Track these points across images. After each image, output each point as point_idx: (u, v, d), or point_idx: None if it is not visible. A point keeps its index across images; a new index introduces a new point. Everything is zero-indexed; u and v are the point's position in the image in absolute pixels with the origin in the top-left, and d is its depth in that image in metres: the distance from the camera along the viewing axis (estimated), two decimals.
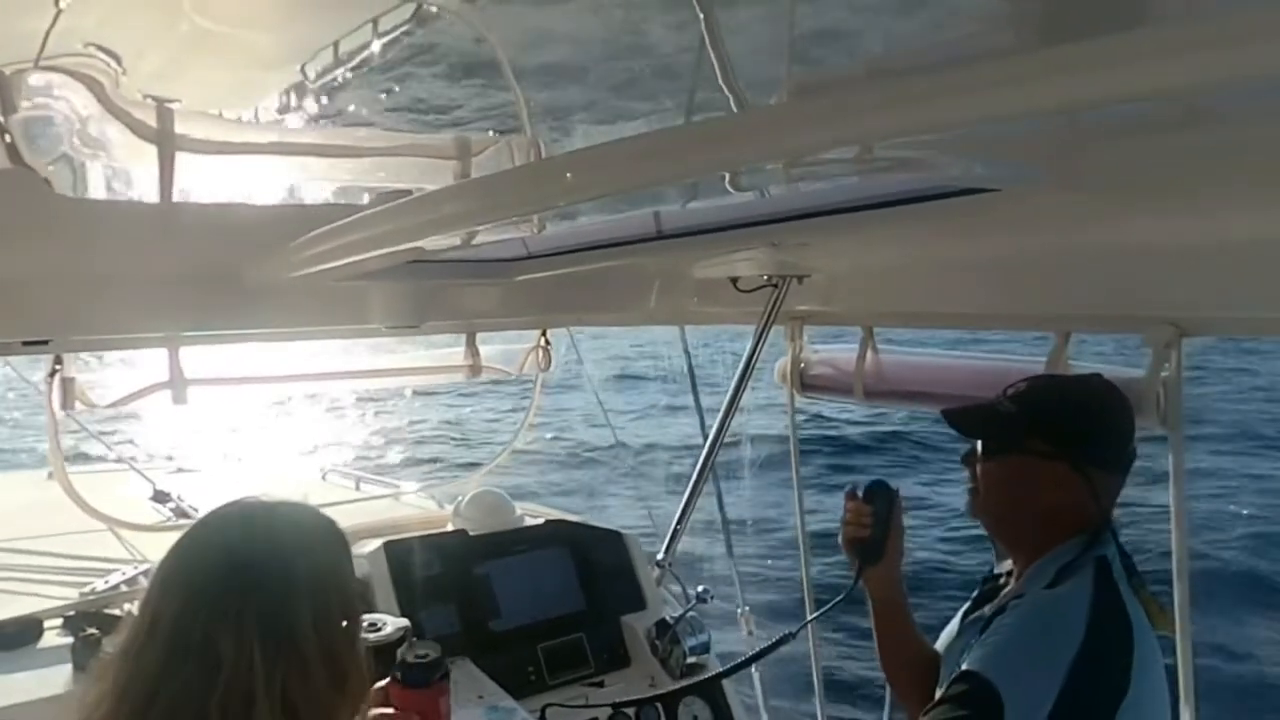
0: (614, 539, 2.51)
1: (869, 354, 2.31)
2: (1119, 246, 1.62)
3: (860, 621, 1.82)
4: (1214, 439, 10.21)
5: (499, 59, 2.77)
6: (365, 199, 2.48)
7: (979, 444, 1.59)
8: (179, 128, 2.05)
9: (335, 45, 2.50)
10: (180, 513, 2.80)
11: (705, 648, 2.26)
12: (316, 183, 2.53)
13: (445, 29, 2.80)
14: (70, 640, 2.00)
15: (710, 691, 2.18)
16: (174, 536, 1.15)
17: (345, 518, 1.32)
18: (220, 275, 1.91)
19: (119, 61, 2.15)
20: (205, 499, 2.74)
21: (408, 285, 2.18)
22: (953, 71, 0.70)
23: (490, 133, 2.78)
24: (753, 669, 2.55)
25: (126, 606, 2.16)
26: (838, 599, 1.79)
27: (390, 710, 1.40)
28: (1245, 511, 8.50)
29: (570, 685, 2.20)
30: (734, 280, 2.40)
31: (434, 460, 12.16)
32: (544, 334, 2.91)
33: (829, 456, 10.10)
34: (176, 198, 2.07)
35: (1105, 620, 1.35)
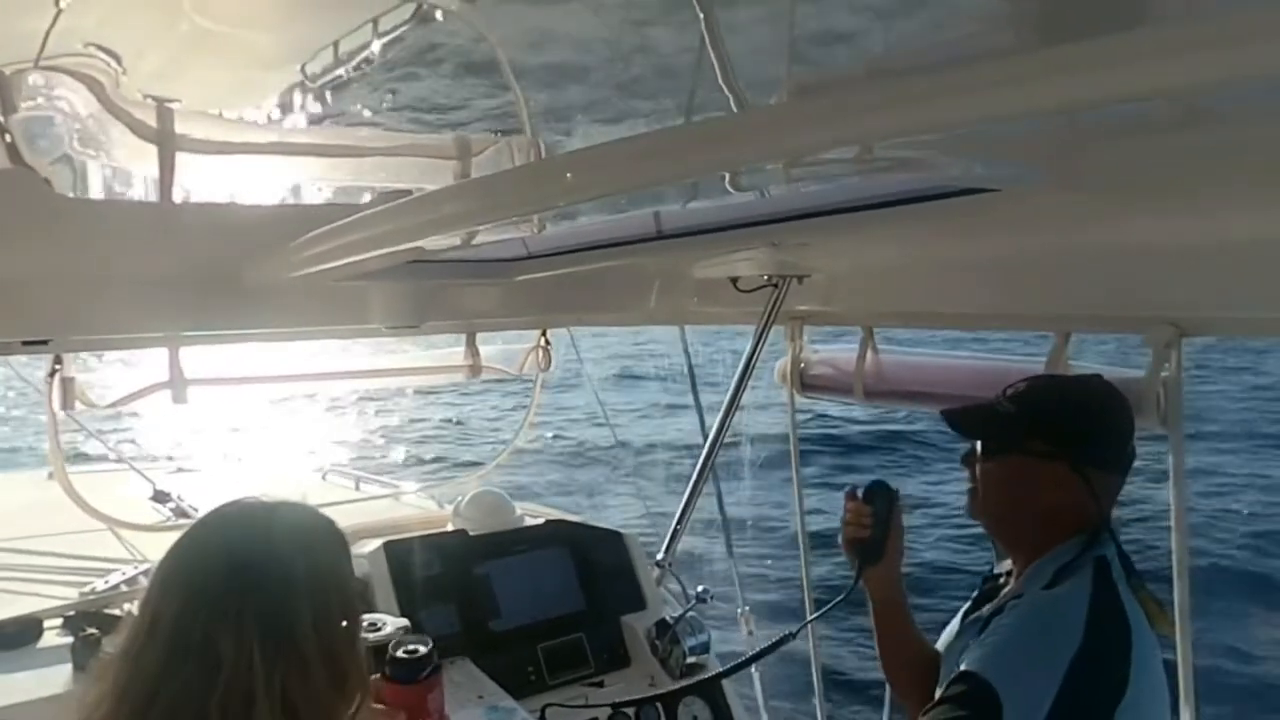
0: (614, 539, 2.51)
1: (869, 354, 2.31)
2: (1119, 246, 1.62)
3: (861, 621, 1.82)
4: (1217, 437, 10.28)
5: (499, 59, 2.77)
6: (365, 199, 2.49)
7: (978, 444, 1.60)
8: (179, 127, 2.05)
9: (335, 45, 2.50)
10: (180, 513, 2.80)
11: (705, 648, 2.26)
12: (316, 183, 2.52)
13: (445, 29, 2.80)
14: (70, 640, 2.00)
15: (710, 691, 2.18)
16: (174, 536, 1.15)
17: (345, 518, 1.32)
18: (220, 275, 1.91)
19: (119, 61, 2.15)
20: (205, 499, 2.74)
21: (408, 285, 2.18)
22: (953, 71, 0.70)
23: (492, 134, 2.78)
24: (753, 669, 2.55)
25: (126, 606, 2.15)
26: (838, 599, 1.79)
27: (377, 707, 1.39)
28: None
29: (570, 685, 2.20)
30: (734, 280, 2.40)
31: (436, 460, 12.18)
32: (544, 334, 2.91)
33: (836, 456, 10.10)
34: (177, 197, 2.07)
35: (1104, 620, 1.35)
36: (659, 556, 2.60)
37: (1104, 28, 0.60)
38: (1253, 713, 5.35)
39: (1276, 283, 1.43)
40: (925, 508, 8.28)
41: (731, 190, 1.27)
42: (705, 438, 2.67)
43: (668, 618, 2.31)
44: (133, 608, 1.69)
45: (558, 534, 2.46)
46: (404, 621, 1.74)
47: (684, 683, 2.19)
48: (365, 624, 1.47)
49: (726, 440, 2.65)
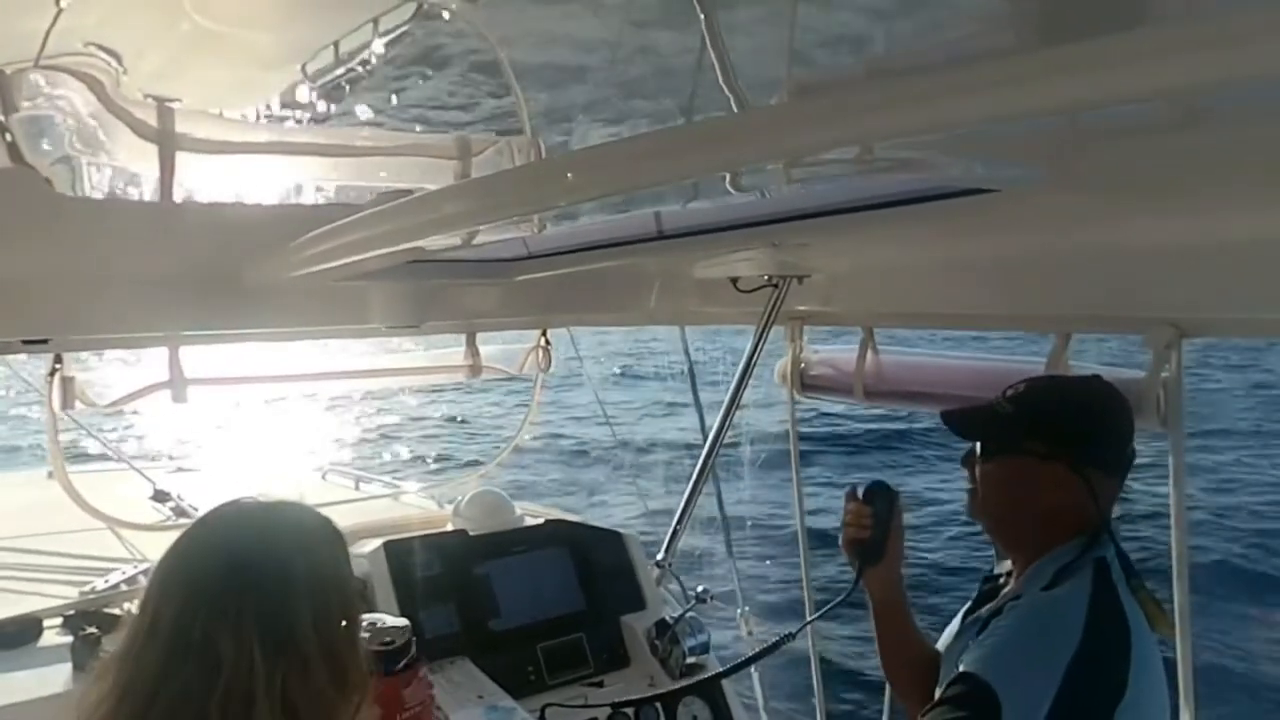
0: (614, 539, 2.51)
1: (869, 354, 2.31)
2: (1119, 247, 1.62)
3: (861, 621, 1.82)
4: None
5: (499, 59, 2.77)
6: (366, 199, 2.49)
7: (978, 445, 1.59)
8: (180, 127, 2.05)
9: (336, 45, 2.50)
10: (180, 512, 2.80)
11: (705, 648, 2.25)
12: (316, 183, 2.53)
13: (446, 29, 2.80)
14: (70, 639, 2.00)
15: (710, 691, 2.18)
16: (173, 536, 1.15)
17: (345, 517, 1.32)
18: (220, 275, 1.91)
19: (120, 61, 2.15)
20: (205, 498, 2.74)
21: (408, 285, 2.18)
22: (953, 71, 0.70)
23: (492, 134, 2.78)
24: (753, 669, 2.55)
25: (126, 606, 2.16)
26: (838, 599, 1.79)
27: None
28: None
29: (570, 685, 2.20)
30: (734, 280, 2.40)
31: (438, 457, 12.18)
32: (544, 334, 2.91)
33: (844, 454, 10.08)
34: (177, 197, 2.07)
35: (1103, 621, 1.35)
36: (659, 556, 2.60)
37: (1104, 28, 0.60)
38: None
39: (1276, 283, 1.42)
40: (933, 505, 8.25)
41: (732, 190, 1.27)
42: (705, 438, 2.67)
43: (667, 618, 2.31)
44: (132, 607, 1.70)
45: (557, 534, 2.46)
46: (404, 621, 1.74)
47: (684, 683, 2.19)
48: (365, 624, 1.47)
49: (727, 440, 2.65)
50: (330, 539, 1.21)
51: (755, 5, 2.21)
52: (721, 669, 2.19)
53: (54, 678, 1.91)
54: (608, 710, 2.06)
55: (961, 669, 1.35)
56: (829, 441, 10.21)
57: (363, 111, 3.27)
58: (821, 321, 2.50)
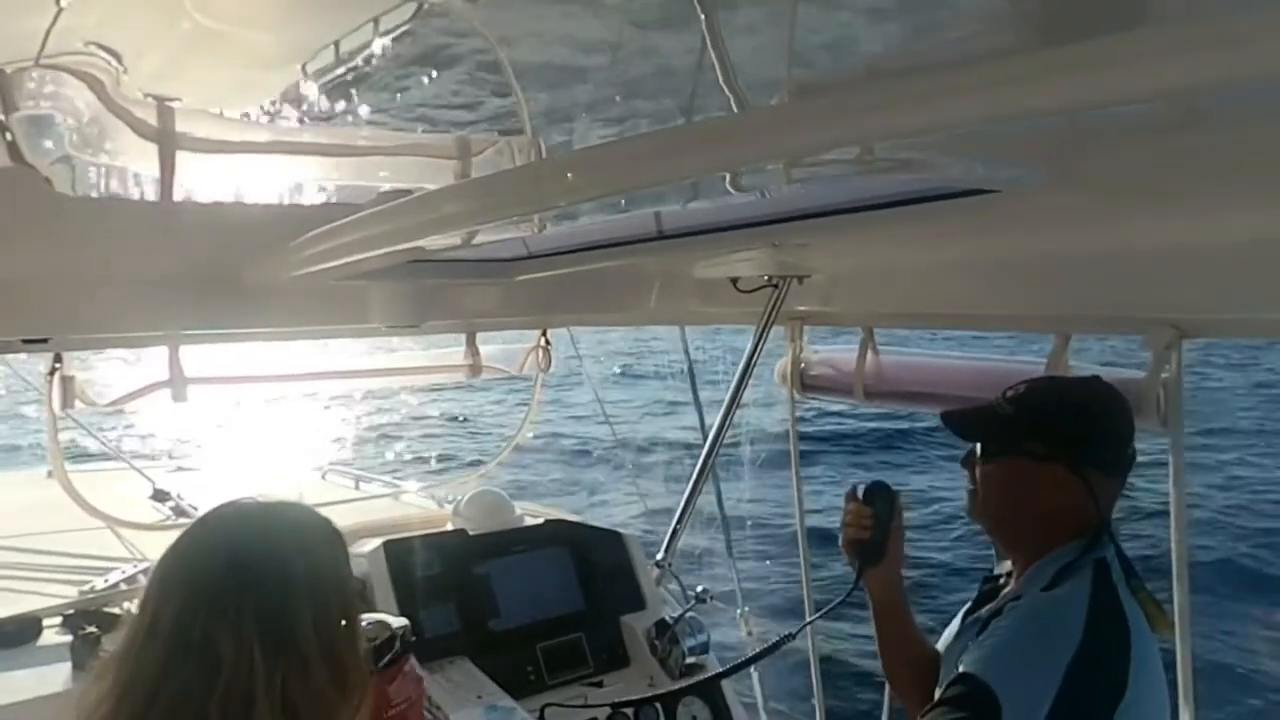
0: (613, 539, 2.51)
1: (869, 354, 2.31)
2: (1119, 247, 1.62)
3: (862, 621, 1.82)
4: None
5: (499, 59, 2.77)
6: (366, 199, 2.48)
7: (978, 446, 1.59)
8: (180, 126, 2.05)
9: (336, 45, 2.50)
10: (180, 511, 2.80)
11: (705, 648, 2.25)
12: (317, 183, 2.53)
13: (446, 29, 2.80)
14: (69, 639, 2.00)
15: (709, 691, 2.18)
16: (173, 535, 1.15)
17: (345, 517, 1.32)
18: (220, 275, 1.91)
19: (120, 60, 2.15)
20: (205, 498, 2.74)
21: (408, 285, 2.18)
22: (953, 71, 0.70)
23: (493, 134, 2.78)
24: (753, 669, 2.55)
25: (126, 605, 2.16)
26: (838, 600, 1.79)
27: None
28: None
29: (569, 685, 2.20)
30: (734, 280, 2.40)
31: (438, 456, 12.17)
32: (544, 334, 2.91)
33: (847, 454, 10.07)
34: (177, 196, 2.07)
35: (1103, 621, 1.35)
36: (659, 556, 2.60)
37: (1104, 28, 0.60)
38: None
39: (1276, 283, 1.42)
40: (936, 504, 8.24)
41: (732, 191, 1.27)
42: (705, 437, 2.67)
43: (667, 618, 2.31)
44: (132, 606, 1.70)
45: (557, 534, 2.46)
46: (403, 621, 1.74)
47: (683, 683, 2.19)
48: (364, 623, 1.47)
49: (728, 440, 2.65)
50: (330, 539, 1.21)
51: (755, 6, 2.21)
52: (721, 669, 2.19)
53: (54, 677, 1.91)
54: (607, 710, 2.05)
55: (961, 669, 1.35)
56: (832, 440, 10.21)
57: (363, 111, 3.27)
58: (821, 321, 2.50)
